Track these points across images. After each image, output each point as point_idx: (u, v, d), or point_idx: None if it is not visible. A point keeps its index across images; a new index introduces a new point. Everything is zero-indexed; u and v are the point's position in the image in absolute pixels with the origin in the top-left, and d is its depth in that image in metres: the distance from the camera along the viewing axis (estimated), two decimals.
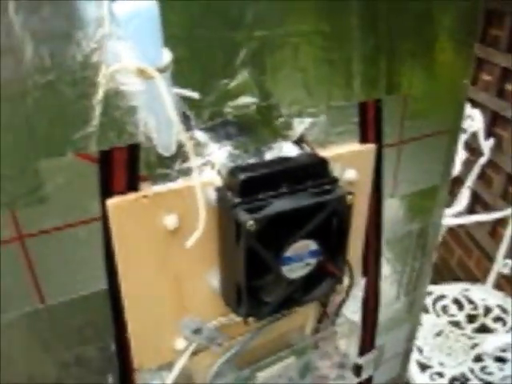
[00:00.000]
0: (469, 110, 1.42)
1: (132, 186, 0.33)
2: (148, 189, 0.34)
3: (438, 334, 1.18)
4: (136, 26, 0.22)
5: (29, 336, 0.35)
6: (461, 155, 1.41)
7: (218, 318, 0.41)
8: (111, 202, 0.33)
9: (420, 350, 1.13)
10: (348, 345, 0.52)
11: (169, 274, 0.37)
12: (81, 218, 0.33)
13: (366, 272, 0.52)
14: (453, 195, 1.49)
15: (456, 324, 1.21)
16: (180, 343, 0.40)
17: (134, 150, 0.33)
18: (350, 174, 0.42)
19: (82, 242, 0.34)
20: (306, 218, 0.34)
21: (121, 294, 0.36)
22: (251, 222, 0.31)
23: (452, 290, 1.29)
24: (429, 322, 1.20)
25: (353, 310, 0.53)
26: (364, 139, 0.44)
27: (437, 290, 1.28)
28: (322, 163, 0.36)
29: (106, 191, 0.33)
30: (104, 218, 0.33)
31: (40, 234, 0.32)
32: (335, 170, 0.41)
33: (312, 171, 0.35)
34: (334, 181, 0.36)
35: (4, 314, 0.33)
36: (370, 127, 0.44)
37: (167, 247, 0.36)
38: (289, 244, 0.34)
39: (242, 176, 0.33)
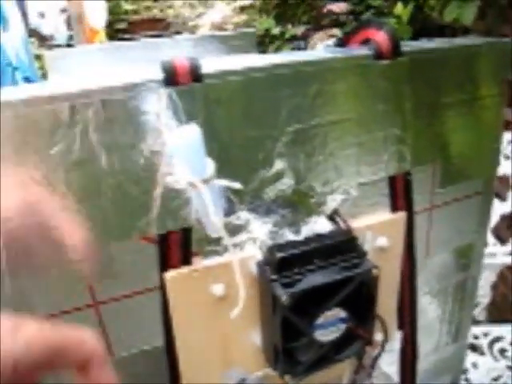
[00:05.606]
0: None
1: (185, 261, 0.40)
2: (199, 263, 0.40)
3: (496, 379, 1.15)
4: (183, 153, 0.29)
5: None
6: None
7: (260, 370, 0.45)
8: (168, 275, 0.39)
9: None
10: None
11: (217, 333, 0.43)
12: (143, 287, 0.40)
13: (401, 326, 0.55)
14: (511, 231, 1.44)
15: None
16: None
17: (187, 231, 0.39)
18: (381, 242, 0.46)
19: (144, 306, 0.40)
20: (335, 290, 0.39)
21: (176, 349, 0.42)
22: (285, 297, 0.36)
23: (511, 331, 1.24)
24: (485, 366, 1.16)
25: (389, 362, 0.56)
26: (394, 208, 0.48)
27: (494, 331, 1.24)
28: (352, 239, 0.41)
29: (164, 266, 0.39)
30: (162, 288, 0.40)
31: (111, 301, 0.39)
32: (367, 238, 0.45)
33: (342, 247, 0.40)
34: (362, 255, 0.40)
35: None
36: (399, 197, 0.48)
37: (215, 311, 0.41)
38: (320, 313, 0.39)
39: (279, 255, 0.38)
